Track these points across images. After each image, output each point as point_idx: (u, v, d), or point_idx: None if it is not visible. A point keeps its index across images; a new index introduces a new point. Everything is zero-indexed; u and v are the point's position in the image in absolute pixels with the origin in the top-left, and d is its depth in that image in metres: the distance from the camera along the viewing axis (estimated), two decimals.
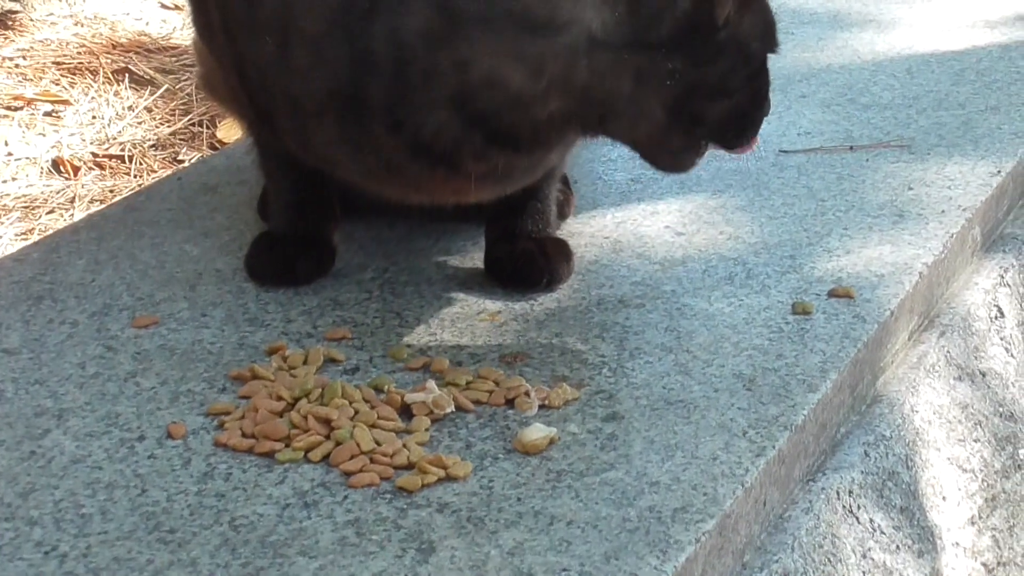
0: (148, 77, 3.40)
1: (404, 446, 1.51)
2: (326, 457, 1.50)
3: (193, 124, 3.25)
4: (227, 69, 1.79)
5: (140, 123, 3.23)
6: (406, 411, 1.57)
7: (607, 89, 1.58)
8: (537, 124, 1.60)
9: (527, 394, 1.60)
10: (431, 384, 1.60)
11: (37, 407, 1.58)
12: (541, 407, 1.59)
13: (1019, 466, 2.02)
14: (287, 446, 1.51)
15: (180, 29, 3.62)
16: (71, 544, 1.37)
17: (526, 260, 1.85)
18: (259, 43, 1.69)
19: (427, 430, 1.54)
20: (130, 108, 3.28)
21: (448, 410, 1.57)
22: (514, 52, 1.55)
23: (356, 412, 1.55)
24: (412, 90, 1.59)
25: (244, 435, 1.53)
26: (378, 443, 1.51)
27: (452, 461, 1.49)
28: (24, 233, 2.78)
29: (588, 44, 1.55)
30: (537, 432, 1.53)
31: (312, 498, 1.44)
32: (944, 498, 1.83)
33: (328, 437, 1.52)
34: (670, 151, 1.68)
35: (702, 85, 1.60)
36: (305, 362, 1.65)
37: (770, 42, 1.68)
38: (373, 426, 1.53)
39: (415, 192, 1.75)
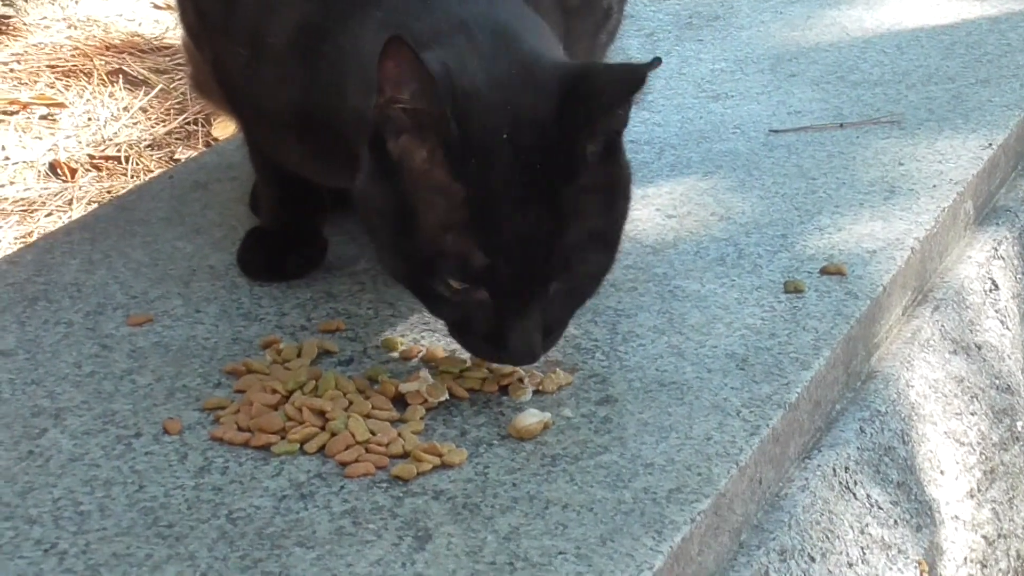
0: (142, 78, 3.40)
1: (399, 435, 1.51)
2: (321, 448, 1.50)
3: (188, 123, 3.25)
4: (211, 66, 1.80)
5: (136, 123, 3.23)
6: (400, 400, 1.58)
7: None
8: None
9: (521, 380, 1.61)
10: (425, 373, 1.60)
11: (34, 407, 1.59)
12: (535, 393, 1.60)
13: (1017, 438, 2.02)
14: (282, 439, 1.51)
15: (173, 29, 3.62)
16: (70, 541, 1.38)
17: None
18: (234, 51, 1.70)
19: (422, 419, 1.55)
20: (125, 109, 3.28)
21: (442, 398, 1.58)
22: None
23: (350, 403, 1.56)
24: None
25: (240, 429, 1.53)
26: (373, 433, 1.51)
27: (447, 448, 1.49)
28: (23, 236, 2.78)
29: None
30: (531, 417, 1.54)
31: (308, 489, 1.45)
32: (942, 472, 1.83)
33: (323, 428, 1.52)
34: None
35: None
36: (299, 355, 1.66)
37: None
38: (368, 416, 1.54)
39: None
